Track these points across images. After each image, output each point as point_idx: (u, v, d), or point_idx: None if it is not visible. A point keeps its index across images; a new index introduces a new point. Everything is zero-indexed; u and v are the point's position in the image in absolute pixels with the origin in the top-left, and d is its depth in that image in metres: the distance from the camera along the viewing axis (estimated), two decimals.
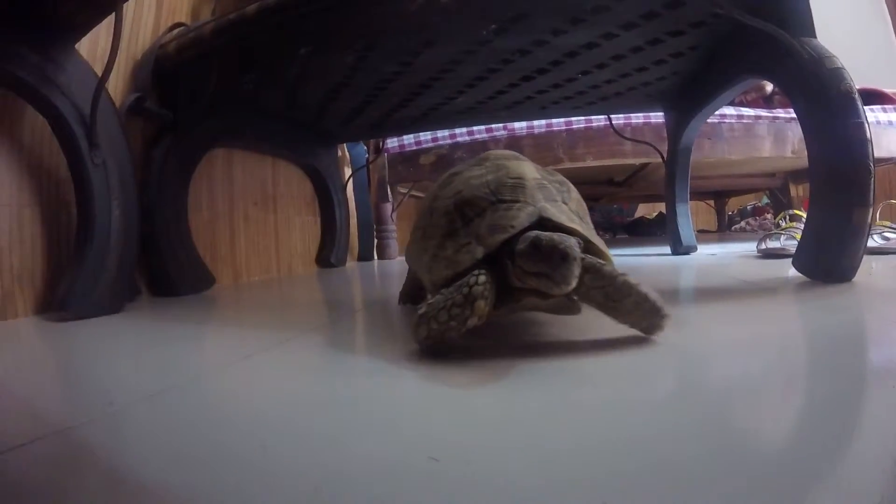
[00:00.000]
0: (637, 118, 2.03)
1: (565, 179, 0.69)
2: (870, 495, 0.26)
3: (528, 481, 0.29)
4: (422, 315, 0.54)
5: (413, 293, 0.88)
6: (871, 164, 0.88)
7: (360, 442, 0.36)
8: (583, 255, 0.56)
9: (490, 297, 0.55)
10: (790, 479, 0.28)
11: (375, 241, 2.28)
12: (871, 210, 0.89)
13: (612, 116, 1.87)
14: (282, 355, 0.62)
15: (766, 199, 3.51)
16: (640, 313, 0.57)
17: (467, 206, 0.63)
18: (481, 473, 0.30)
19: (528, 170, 0.65)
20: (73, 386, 0.55)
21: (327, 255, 1.94)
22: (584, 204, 0.70)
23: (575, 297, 0.58)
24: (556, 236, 0.51)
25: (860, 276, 0.93)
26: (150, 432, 0.40)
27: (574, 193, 0.68)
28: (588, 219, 0.69)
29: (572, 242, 0.51)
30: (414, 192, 2.53)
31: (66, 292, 0.91)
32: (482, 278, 0.54)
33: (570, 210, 0.64)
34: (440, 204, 0.68)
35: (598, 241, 0.62)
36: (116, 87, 1.15)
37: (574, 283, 0.51)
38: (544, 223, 0.58)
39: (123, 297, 1.01)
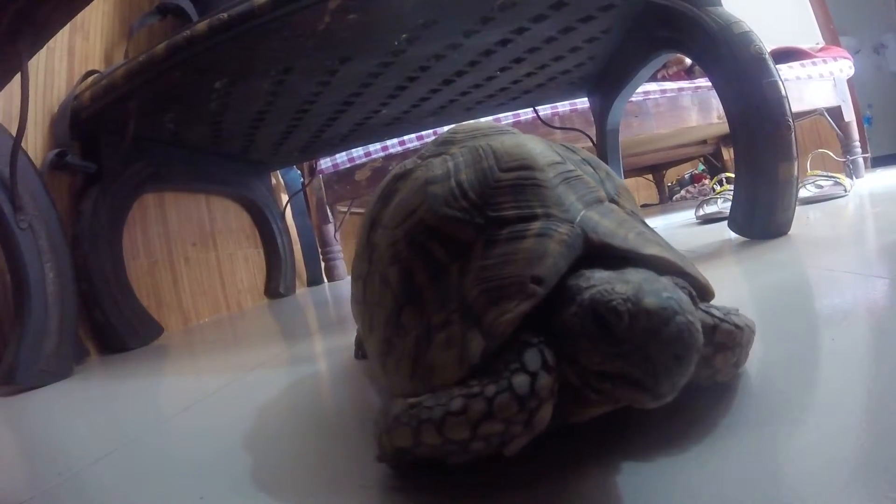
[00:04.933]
0: (563, 106, 2.05)
1: (591, 155, 0.41)
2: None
3: None
4: (406, 414, 0.29)
5: None
6: (790, 120, 0.91)
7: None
8: None
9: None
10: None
11: (322, 263, 2.26)
12: (796, 163, 0.92)
13: (538, 108, 1.89)
14: (219, 403, 0.61)
15: (701, 167, 3.59)
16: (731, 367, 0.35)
17: (433, 241, 0.35)
18: None
19: (535, 147, 0.37)
20: (23, 459, 0.54)
21: (275, 285, 1.91)
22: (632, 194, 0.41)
23: None
24: (650, 297, 0.26)
25: (797, 228, 0.96)
26: (96, 499, 0.40)
27: (617, 179, 0.40)
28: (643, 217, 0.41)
29: (686, 309, 0.26)
30: (354, 210, 2.51)
31: (11, 364, 0.87)
32: (548, 358, 0.28)
33: (628, 215, 0.36)
34: (383, 238, 0.39)
35: (686, 262, 0.36)
36: (36, 143, 1.11)
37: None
38: (596, 253, 0.32)
39: (71, 360, 0.97)
